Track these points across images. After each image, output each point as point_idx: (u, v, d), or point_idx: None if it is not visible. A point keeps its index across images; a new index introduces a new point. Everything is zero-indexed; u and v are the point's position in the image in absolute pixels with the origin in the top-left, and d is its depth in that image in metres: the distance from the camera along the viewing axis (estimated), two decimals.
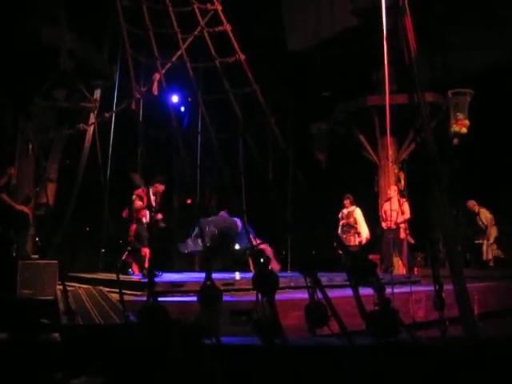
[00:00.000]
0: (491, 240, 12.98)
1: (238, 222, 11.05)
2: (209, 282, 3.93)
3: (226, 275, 9.00)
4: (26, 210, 7.71)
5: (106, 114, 8.94)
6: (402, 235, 10.74)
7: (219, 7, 6.20)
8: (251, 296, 4.21)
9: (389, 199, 11.04)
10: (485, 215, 13.19)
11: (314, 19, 13.24)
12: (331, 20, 12.83)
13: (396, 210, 10.57)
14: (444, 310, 4.40)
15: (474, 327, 4.14)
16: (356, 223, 11.10)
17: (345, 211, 11.39)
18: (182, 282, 7.29)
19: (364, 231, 11.06)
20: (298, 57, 13.96)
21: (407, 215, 10.67)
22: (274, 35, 13.72)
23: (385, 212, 11.10)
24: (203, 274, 4.14)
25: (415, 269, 11.37)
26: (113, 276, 8.11)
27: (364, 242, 11.00)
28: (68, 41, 8.17)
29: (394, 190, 10.92)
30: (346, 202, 11.38)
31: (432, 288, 4.57)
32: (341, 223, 11.29)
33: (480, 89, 12.06)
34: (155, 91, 7.02)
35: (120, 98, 10.05)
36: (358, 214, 11.19)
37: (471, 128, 12.05)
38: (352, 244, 10.83)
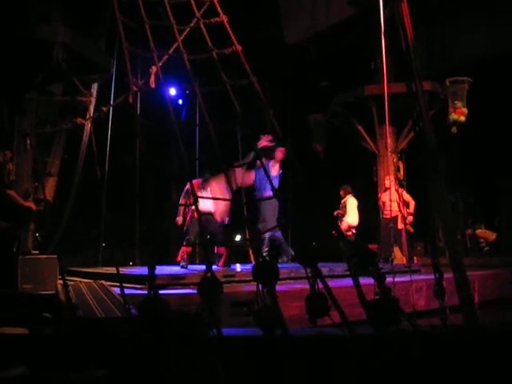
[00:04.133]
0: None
1: None
2: (209, 274, 3.93)
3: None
4: (33, 206, 7.69)
5: (104, 108, 8.92)
6: (401, 225, 10.75)
7: None
8: (252, 287, 4.21)
9: (386, 190, 11.05)
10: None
11: (310, 11, 13.23)
12: (327, 11, 12.82)
13: (396, 200, 10.58)
14: (444, 298, 4.41)
15: (474, 315, 4.15)
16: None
17: (342, 201, 11.42)
18: (182, 274, 7.31)
19: (351, 219, 11.01)
20: (296, 48, 13.94)
21: (413, 203, 10.71)
22: (272, 27, 13.72)
23: (383, 203, 11.10)
24: (204, 267, 4.15)
25: (414, 258, 11.38)
26: (113, 270, 8.12)
27: (345, 227, 10.94)
28: (62, 34, 8.12)
29: (391, 180, 10.93)
30: (341, 192, 11.41)
31: (432, 277, 4.58)
32: (335, 213, 11.31)
33: (478, 77, 12.04)
34: (152, 84, 7.00)
35: (117, 91, 10.03)
36: (349, 202, 11.17)
37: (469, 116, 12.03)
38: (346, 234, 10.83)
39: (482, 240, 14.57)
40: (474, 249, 14.53)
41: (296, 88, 14.67)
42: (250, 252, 10.79)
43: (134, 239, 12.40)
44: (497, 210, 15.81)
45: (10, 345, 3.61)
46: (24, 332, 3.76)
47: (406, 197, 10.92)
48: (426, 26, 11.93)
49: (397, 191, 10.87)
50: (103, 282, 6.68)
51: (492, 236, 14.55)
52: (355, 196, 11.36)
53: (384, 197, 11.09)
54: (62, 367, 3.39)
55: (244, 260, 11.08)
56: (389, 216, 10.73)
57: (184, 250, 9.21)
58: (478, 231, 14.70)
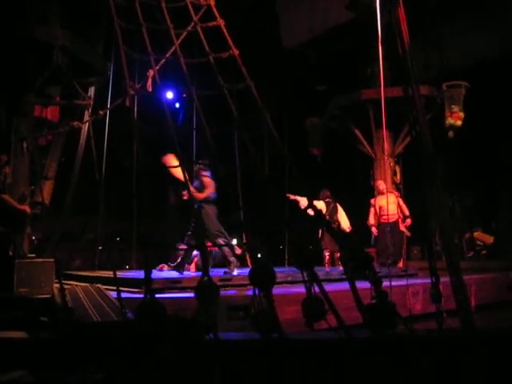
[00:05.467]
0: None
1: None
2: (206, 278, 3.93)
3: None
4: (27, 209, 7.68)
5: (101, 112, 8.92)
6: (402, 228, 10.72)
7: (212, 2, 6.19)
8: (249, 291, 4.21)
9: (382, 194, 10.99)
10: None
11: (307, 15, 13.26)
12: (325, 15, 12.85)
13: (394, 202, 10.57)
14: (441, 302, 4.41)
15: (470, 319, 4.15)
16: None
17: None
18: (179, 278, 7.30)
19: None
20: (293, 52, 13.96)
21: (407, 212, 10.66)
22: (270, 31, 13.74)
23: (380, 207, 11.03)
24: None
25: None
26: (110, 273, 8.11)
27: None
28: (61, 37, 8.12)
29: (383, 185, 10.95)
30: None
31: (429, 281, 4.58)
32: None
33: (475, 81, 12.07)
34: (149, 88, 7.01)
35: (114, 95, 10.03)
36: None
37: (466, 120, 12.06)
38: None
39: (479, 242, 14.58)
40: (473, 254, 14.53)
41: (293, 91, 14.69)
42: (247, 256, 10.79)
43: (130, 242, 12.37)
44: (494, 214, 15.84)
45: (7, 348, 3.60)
46: (21, 336, 3.75)
47: (401, 203, 10.91)
48: (422, 28, 11.95)
49: (394, 193, 10.88)
50: (100, 285, 6.67)
51: (489, 239, 14.56)
52: (335, 201, 11.29)
53: (381, 201, 11.03)
54: (59, 371, 3.38)
55: (241, 264, 11.06)
56: (386, 220, 10.69)
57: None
58: (476, 234, 14.72)
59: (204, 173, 8.51)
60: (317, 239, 10.51)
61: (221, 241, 8.19)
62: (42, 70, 8.24)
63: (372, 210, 11.15)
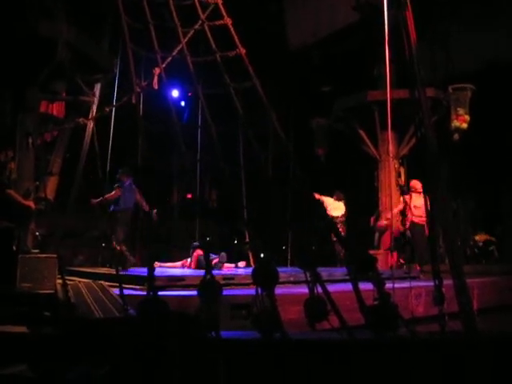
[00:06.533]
0: None
1: None
2: (209, 276, 3.93)
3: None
4: (32, 205, 7.70)
5: (106, 109, 8.93)
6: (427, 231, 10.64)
7: (220, 0, 6.19)
8: (251, 290, 4.21)
9: (417, 192, 10.82)
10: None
11: (314, 16, 13.26)
12: (331, 16, 12.84)
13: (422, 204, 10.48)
14: (444, 304, 4.40)
15: (473, 322, 4.14)
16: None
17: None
18: (182, 276, 7.31)
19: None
20: (299, 52, 13.96)
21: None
22: (276, 30, 13.74)
23: (415, 206, 10.74)
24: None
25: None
26: (113, 270, 8.12)
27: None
28: (65, 32, 8.13)
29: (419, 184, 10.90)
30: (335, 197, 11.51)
31: (431, 283, 4.57)
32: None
33: (481, 84, 12.05)
34: (155, 85, 7.01)
35: (121, 92, 10.03)
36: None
37: (472, 123, 12.04)
38: None
39: (481, 244, 14.60)
40: (473, 256, 14.53)
41: (298, 91, 14.68)
42: (250, 255, 10.79)
43: (134, 239, 12.37)
44: (498, 217, 15.82)
45: (9, 343, 3.61)
46: (23, 330, 3.76)
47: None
48: (429, 27, 11.91)
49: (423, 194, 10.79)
50: (102, 282, 6.68)
51: (492, 238, 14.63)
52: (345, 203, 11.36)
53: (417, 200, 10.70)
54: (60, 366, 3.38)
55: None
56: (422, 221, 10.54)
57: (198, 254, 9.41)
58: (478, 237, 14.75)
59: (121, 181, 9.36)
60: (325, 239, 10.53)
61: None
62: (45, 64, 8.25)
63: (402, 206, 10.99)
